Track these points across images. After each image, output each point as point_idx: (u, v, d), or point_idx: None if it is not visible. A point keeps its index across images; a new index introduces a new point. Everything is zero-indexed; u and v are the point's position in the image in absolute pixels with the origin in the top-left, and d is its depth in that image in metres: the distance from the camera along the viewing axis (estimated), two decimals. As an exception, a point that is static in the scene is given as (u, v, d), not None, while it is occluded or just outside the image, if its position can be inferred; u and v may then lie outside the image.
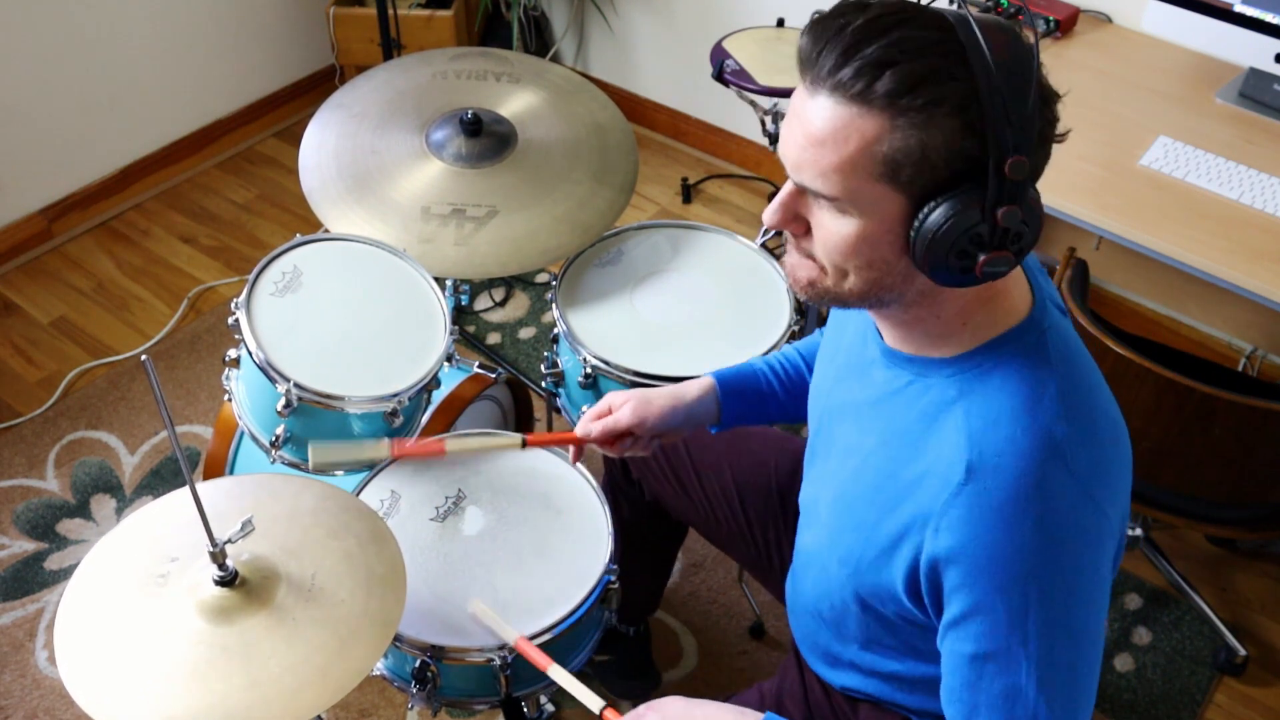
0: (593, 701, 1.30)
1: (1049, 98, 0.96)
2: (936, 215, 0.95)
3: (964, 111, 0.92)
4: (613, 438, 1.46)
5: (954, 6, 0.98)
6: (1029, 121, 0.92)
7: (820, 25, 0.96)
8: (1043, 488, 1.00)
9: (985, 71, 0.91)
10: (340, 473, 1.72)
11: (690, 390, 1.47)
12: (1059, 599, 1.02)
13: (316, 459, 1.51)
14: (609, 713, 1.29)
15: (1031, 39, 0.96)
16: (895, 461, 1.10)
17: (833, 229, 1.00)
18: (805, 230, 1.04)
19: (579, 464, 1.68)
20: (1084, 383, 1.07)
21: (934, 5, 0.97)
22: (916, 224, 0.96)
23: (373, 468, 1.67)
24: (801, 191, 1.01)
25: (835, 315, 1.32)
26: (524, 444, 1.50)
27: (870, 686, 1.30)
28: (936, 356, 1.08)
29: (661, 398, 1.45)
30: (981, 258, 0.96)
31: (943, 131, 0.92)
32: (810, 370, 1.52)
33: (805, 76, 0.97)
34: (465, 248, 1.90)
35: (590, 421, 1.46)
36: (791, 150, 0.99)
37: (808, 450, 1.35)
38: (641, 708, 1.25)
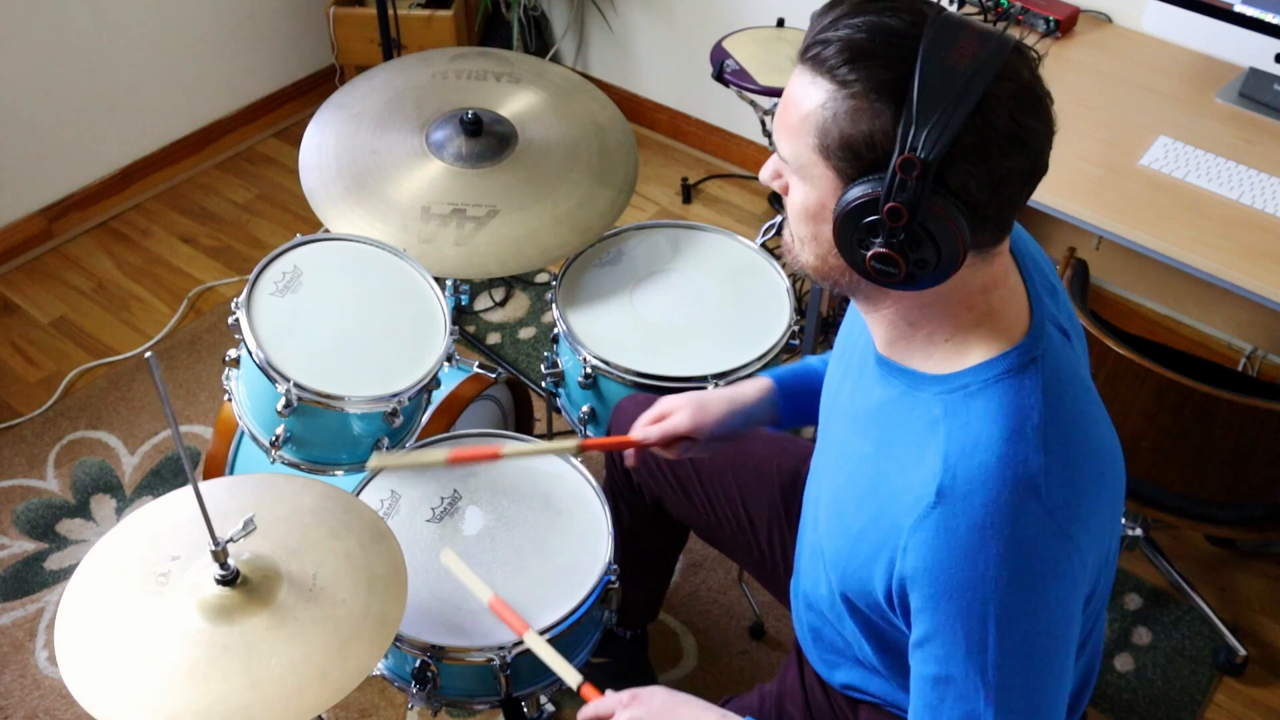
0: (570, 676, 1.31)
1: (1014, 126, 0.94)
2: (846, 196, 0.98)
3: (897, 104, 0.93)
4: (670, 441, 1.46)
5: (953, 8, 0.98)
6: (949, 130, 0.91)
7: (823, 9, 0.99)
8: (1011, 519, 0.99)
9: (925, 67, 0.92)
10: (340, 473, 1.72)
11: (747, 392, 1.48)
12: (1020, 631, 1.01)
13: (374, 463, 1.58)
14: (587, 688, 1.29)
15: (1034, 58, 0.97)
16: (880, 473, 1.10)
17: (793, 193, 1.05)
18: (786, 191, 1.07)
19: (579, 463, 1.68)
20: (1073, 415, 1.05)
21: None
22: (835, 205, 0.99)
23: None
24: None
25: (850, 314, 1.32)
26: (579, 450, 1.50)
27: (871, 686, 1.30)
28: (926, 371, 1.08)
29: (718, 402, 1.46)
30: (869, 252, 0.98)
31: (872, 117, 0.94)
32: None
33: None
34: (465, 248, 1.90)
35: (648, 425, 1.47)
36: (776, 112, 1.05)
37: (817, 446, 1.35)
38: (625, 694, 1.27)
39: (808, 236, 1.05)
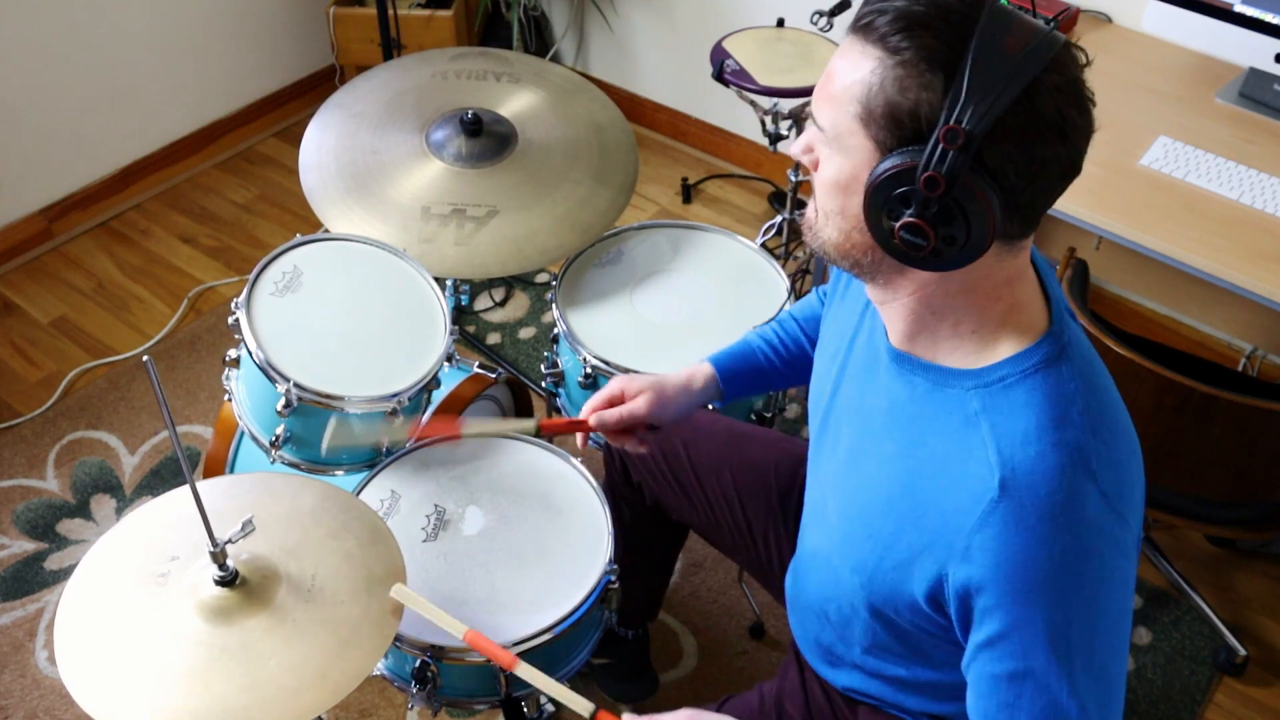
0: (581, 705, 1.22)
1: (1058, 116, 0.94)
2: (882, 165, 0.98)
3: (947, 76, 0.93)
4: (624, 428, 1.44)
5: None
6: (995, 107, 0.92)
7: None
8: (1075, 503, 0.99)
9: (980, 43, 0.92)
10: (340, 472, 1.72)
11: (696, 378, 1.49)
12: (1094, 613, 1.02)
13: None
14: (603, 715, 1.22)
15: (1082, 60, 0.97)
16: (915, 473, 1.09)
17: (825, 166, 1.04)
18: (815, 166, 1.07)
19: (579, 463, 1.68)
20: (1104, 395, 1.07)
21: None
22: (870, 174, 0.99)
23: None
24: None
25: (834, 313, 1.31)
26: (538, 430, 1.48)
27: (871, 688, 1.29)
28: (954, 367, 1.08)
29: (674, 388, 1.46)
30: (898, 223, 0.98)
31: (920, 87, 0.94)
32: (809, 339, 1.53)
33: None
34: (465, 248, 1.90)
35: (602, 407, 1.44)
36: (817, 85, 1.04)
37: (811, 447, 1.34)
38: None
39: (834, 210, 1.04)
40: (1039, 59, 0.93)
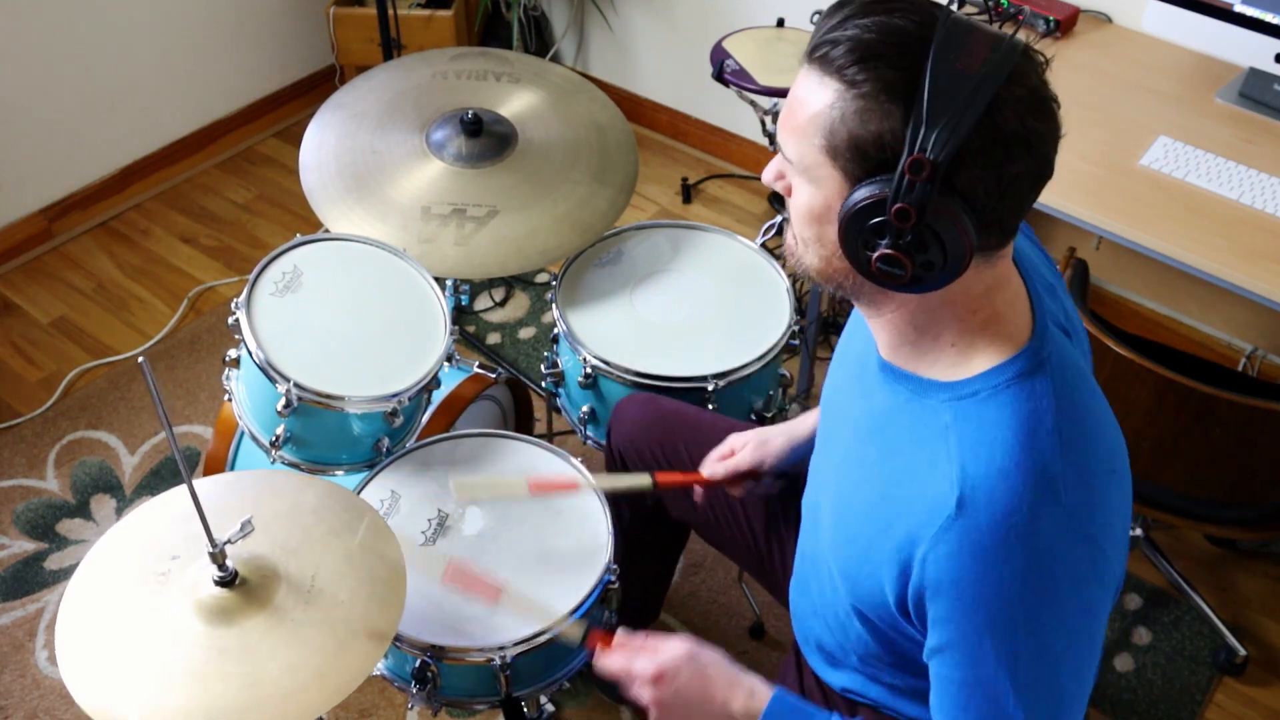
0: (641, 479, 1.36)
1: (1022, 130, 0.94)
2: (853, 197, 0.97)
3: (906, 104, 0.93)
4: (736, 478, 1.53)
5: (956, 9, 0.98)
6: (958, 132, 0.91)
7: (830, 9, 0.99)
8: (1034, 526, 0.98)
9: (935, 68, 0.92)
10: (341, 472, 1.72)
11: (805, 423, 1.52)
12: (1047, 635, 1.01)
13: (457, 493, 1.60)
14: (596, 635, 1.26)
15: (1042, 61, 0.97)
16: (889, 481, 1.09)
17: (797, 194, 1.04)
18: (789, 193, 1.07)
19: (578, 462, 1.68)
20: (1083, 413, 1.05)
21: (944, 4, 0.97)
22: (841, 207, 0.99)
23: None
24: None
25: (853, 317, 1.32)
26: (654, 484, 1.56)
27: (870, 691, 1.29)
28: (932, 378, 1.07)
29: (778, 436, 1.51)
30: (874, 254, 0.98)
31: (882, 117, 0.94)
32: None
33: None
34: (466, 248, 1.90)
35: (715, 463, 1.53)
36: (781, 113, 1.04)
37: (815, 450, 1.35)
38: (650, 668, 1.20)
39: (811, 238, 1.05)
40: (998, 74, 0.92)
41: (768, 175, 1.08)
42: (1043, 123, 0.96)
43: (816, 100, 0.97)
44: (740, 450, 1.52)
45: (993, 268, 1.04)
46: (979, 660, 1.02)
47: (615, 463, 1.73)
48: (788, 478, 1.54)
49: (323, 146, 2.04)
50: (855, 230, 0.98)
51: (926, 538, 1.01)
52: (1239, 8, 2.06)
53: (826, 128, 0.97)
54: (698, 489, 1.61)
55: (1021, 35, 0.99)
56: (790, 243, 1.10)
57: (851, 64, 0.94)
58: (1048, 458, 0.99)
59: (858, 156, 0.96)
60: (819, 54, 0.97)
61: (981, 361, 1.05)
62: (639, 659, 1.22)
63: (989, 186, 0.95)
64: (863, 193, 0.96)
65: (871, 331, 1.14)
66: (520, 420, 2.10)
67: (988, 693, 1.03)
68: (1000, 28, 1.02)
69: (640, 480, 1.55)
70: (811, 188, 1.02)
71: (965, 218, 0.95)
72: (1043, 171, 0.97)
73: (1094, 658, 1.07)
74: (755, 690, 1.20)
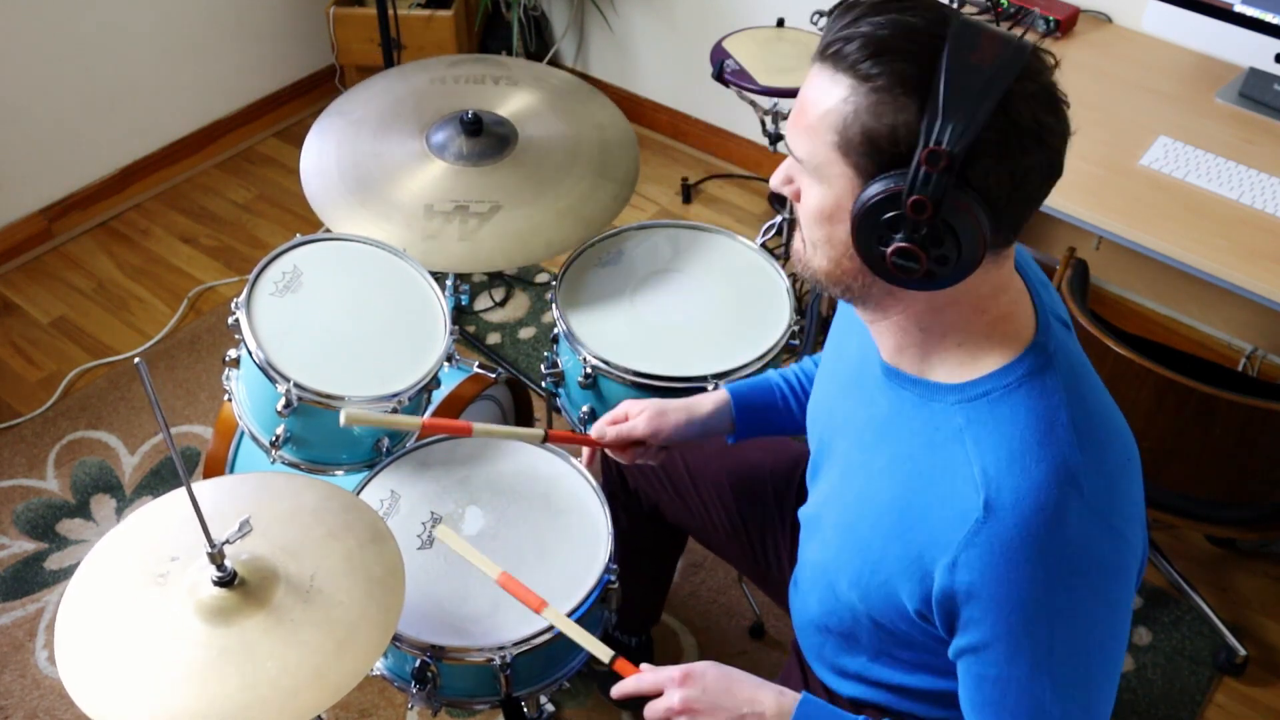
0: (601, 651, 1.26)
1: (1035, 124, 0.94)
2: (866, 192, 0.97)
3: (921, 98, 0.93)
4: (625, 444, 1.49)
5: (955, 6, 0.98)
6: (974, 124, 0.91)
7: (841, 6, 0.99)
8: (1060, 522, 0.99)
9: (951, 62, 0.92)
10: (340, 472, 1.72)
11: (704, 404, 1.49)
12: (1082, 629, 1.02)
13: (348, 417, 1.46)
14: (621, 663, 1.25)
15: (1051, 63, 0.97)
16: (903, 487, 1.09)
17: (806, 196, 1.04)
18: (798, 197, 1.07)
19: (578, 463, 1.68)
20: (1092, 404, 1.06)
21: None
22: (855, 203, 0.98)
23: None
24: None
25: (836, 329, 1.32)
26: (545, 438, 1.54)
27: (879, 698, 1.29)
28: (939, 381, 1.07)
29: (676, 411, 1.48)
30: (889, 248, 0.97)
31: (894, 111, 0.94)
32: None
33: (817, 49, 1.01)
34: (470, 242, 1.90)
35: (607, 426, 1.50)
36: (790, 115, 1.04)
37: (810, 465, 1.34)
38: (674, 670, 1.20)
39: (821, 239, 1.04)
40: (1011, 69, 0.93)
41: (776, 180, 1.07)
42: (1055, 118, 0.96)
43: (829, 97, 0.97)
44: (634, 418, 1.48)
45: (999, 268, 1.04)
46: (1015, 658, 1.03)
47: (611, 469, 1.73)
48: (670, 451, 1.52)
49: (323, 153, 2.05)
50: (869, 226, 0.98)
51: (954, 543, 1.01)
52: (1239, 8, 2.06)
53: (839, 123, 0.96)
54: (586, 450, 1.60)
55: (1025, 37, 1.00)
56: (798, 247, 1.09)
57: (865, 59, 0.94)
58: (1067, 452, 1.00)
59: (871, 151, 0.96)
60: (831, 50, 0.97)
61: (990, 361, 1.05)
62: (664, 670, 1.22)
63: (1002, 180, 0.95)
64: (877, 187, 0.96)
65: (874, 337, 1.14)
66: (520, 420, 2.10)
67: (1024, 688, 1.04)
68: (1009, 28, 1.02)
69: (533, 433, 1.53)
70: (822, 187, 1.01)
71: (980, 211, 0.95)
72: (1053, 167, 0.98)
73: (1121, 648, 1.07)
74: (784, 689, 1.20)
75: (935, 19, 0.95)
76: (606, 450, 1.53)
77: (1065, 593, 1.00)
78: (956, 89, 0.92)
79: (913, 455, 1.08)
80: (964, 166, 0.93)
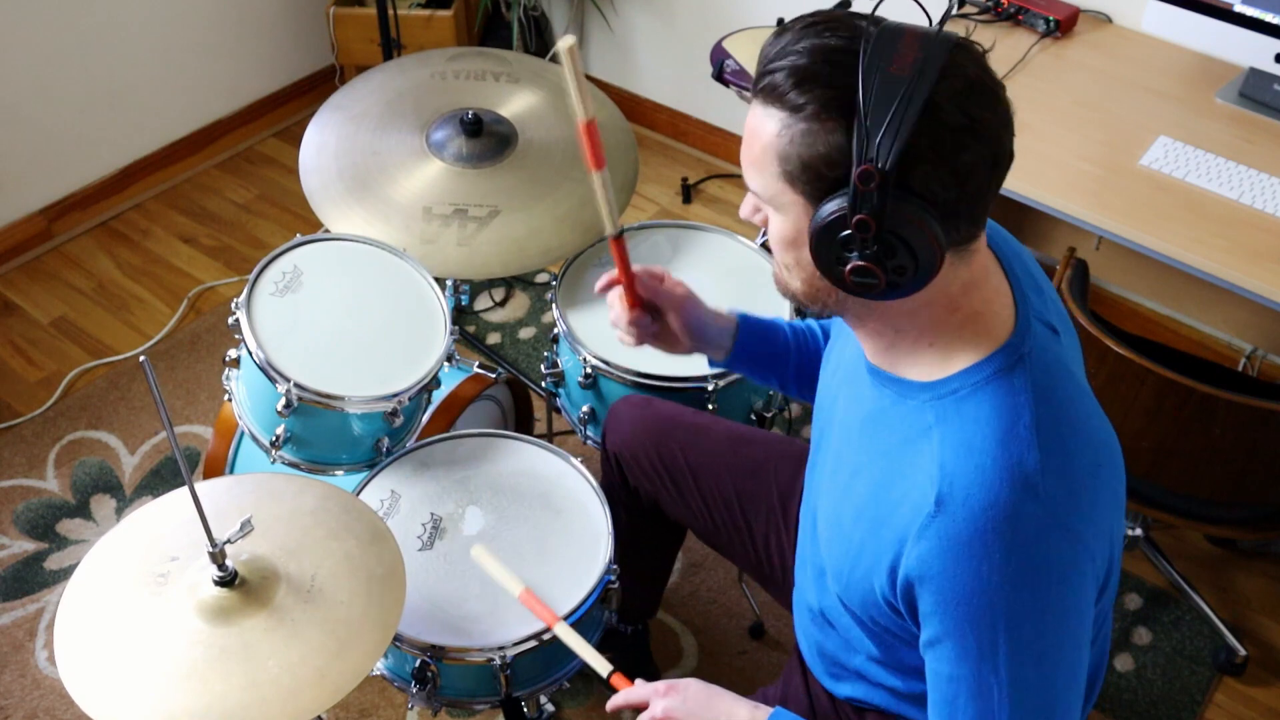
0: (600, 665, 1.33)
1: (965, 120, 0.94)
2: (817, 216, 0.99)
3: (847, 119, 0.94)
4: (649, 293, 1.43)
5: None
6: (900, 135, 0.92)
7: (769, 41, 1.01)
8: (1011, 521, 0.99)
9: (867, 78, 0.93)
10: (341, 472, 1.72)
11: (720, 317, 1.48)
12: (1029, 629, 1.02)
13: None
14: (617, 677, 1.31)
15: (979, 52, 0.98)
16: (878, 483, 1.10)
17: (771, 225, 1.07)
18: (765, 225, 1.09)
19: (579, 463, 1.68)
20: (1067, 409, 1.06)
21: (876, 15, 0.99)
22: (810, 226, 1.01)
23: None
24: None
25: (838, 326, 1.32)
26: (618, 233, 1.41)
27: (876, 698, 1.30)
28: (915, 379, 1.09)
29: (701, 306, 1.46)
30: (846, 267, 0.99)
31: (826, 135, 0.96)
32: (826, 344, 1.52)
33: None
34: (468, 248, 1.90)
35: (650, 275, 1.45)
36: (740, 150, 1.06)
37: (810, 457, 1.35)
38: (660, 683, 1.27)
39: (791, 263, 1.07)
40: (930, 72, 0.94)
41: (745, 210, 1.10)
42: (987, 109, 0.96)
43: (766, 131, 0.99)
44: (673, 286, 1.45)
45: (967, 264, 1.04)
46: (964, 655, 1.04)
47: (611, 466, 1.73)
48: (671, 337, 1.47)
49: (323, 149, 2.05)
50: (825, 248, 1.00)
51: (911, 534, 1.03)
52: (1239, 8, 2.06)
53: (780, 156, 0.99)
54: (604, 278, 1.49)
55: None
56: (776, 271, 1.12)
57: (791, 89, 0.96)
58: (1024, 452, 1.01)
59: (813, 178, 0.98)
60: (762, 85, 0.99)
61: (961, 360, 1.06)
62: (653, 684, 1.29)
63: (945, 181, 0.96)
64: (825, 210, 0.98)
65: (859, 340, 1.16)
66: (520, 420, 2.10)
67: (974, 687, 1.04)
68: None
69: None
70: (781, 216, 1.04)
71: (927, 217, 0.96)
72: (999, 156, 0.98)
73: (1083, 660, 1.07)
74: (759, 705, 1.25)
75: (853, 35, 0.96)
76: (620, 296, 1.44)
77: (1012, 591, 1.00)
78: (878, 104, 0.93)
79: (888, 451, 1.10)
80: (902, 177, 0.94)
